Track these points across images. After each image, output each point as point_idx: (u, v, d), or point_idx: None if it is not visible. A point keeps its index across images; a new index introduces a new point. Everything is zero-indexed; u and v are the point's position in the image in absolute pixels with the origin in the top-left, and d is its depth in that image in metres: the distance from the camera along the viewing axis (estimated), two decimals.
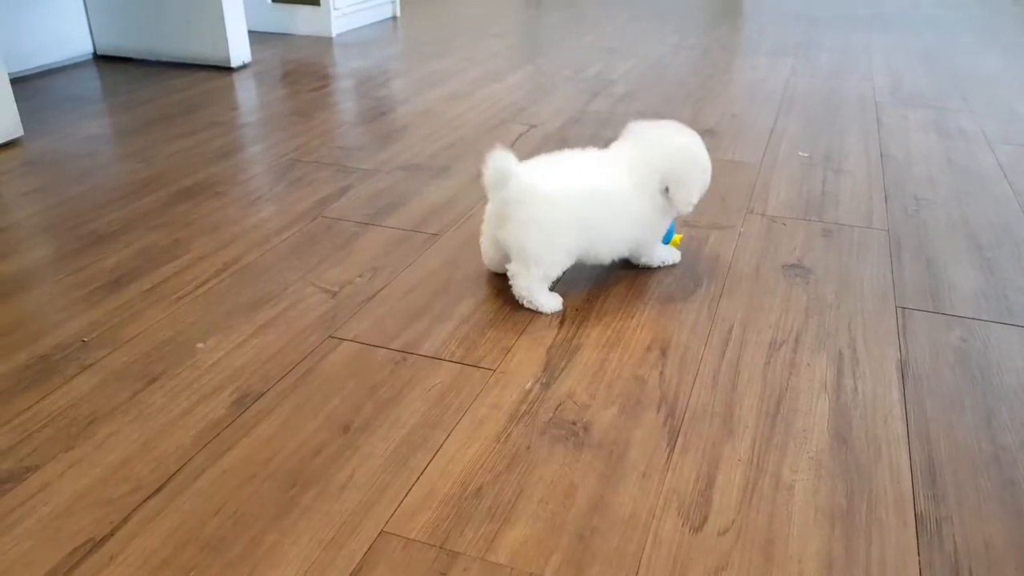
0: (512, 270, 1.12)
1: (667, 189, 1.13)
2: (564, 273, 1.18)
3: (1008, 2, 3.56)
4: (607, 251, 1.16)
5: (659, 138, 1.15)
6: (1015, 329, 1.09)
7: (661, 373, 0.98)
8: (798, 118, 1.98)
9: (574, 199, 1.09)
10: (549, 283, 1.13)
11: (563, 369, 0.99)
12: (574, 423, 0.90)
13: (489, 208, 1.14)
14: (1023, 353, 1.04)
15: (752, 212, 1.44)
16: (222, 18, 2.29)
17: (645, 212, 1.15)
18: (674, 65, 2.49)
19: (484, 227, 1.18)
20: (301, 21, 2.84)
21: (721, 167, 1.63)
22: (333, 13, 2.80)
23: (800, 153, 1.73)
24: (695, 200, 1.15)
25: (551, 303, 1.12)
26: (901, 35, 3.00)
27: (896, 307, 1.14)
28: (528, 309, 1.11)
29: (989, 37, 2.98)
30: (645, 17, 3.31)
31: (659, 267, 1.23)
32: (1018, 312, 1.13)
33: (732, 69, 2.46)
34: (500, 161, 1.06)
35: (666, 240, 1.24)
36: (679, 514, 0.78)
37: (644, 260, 1.23)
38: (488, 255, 1.20)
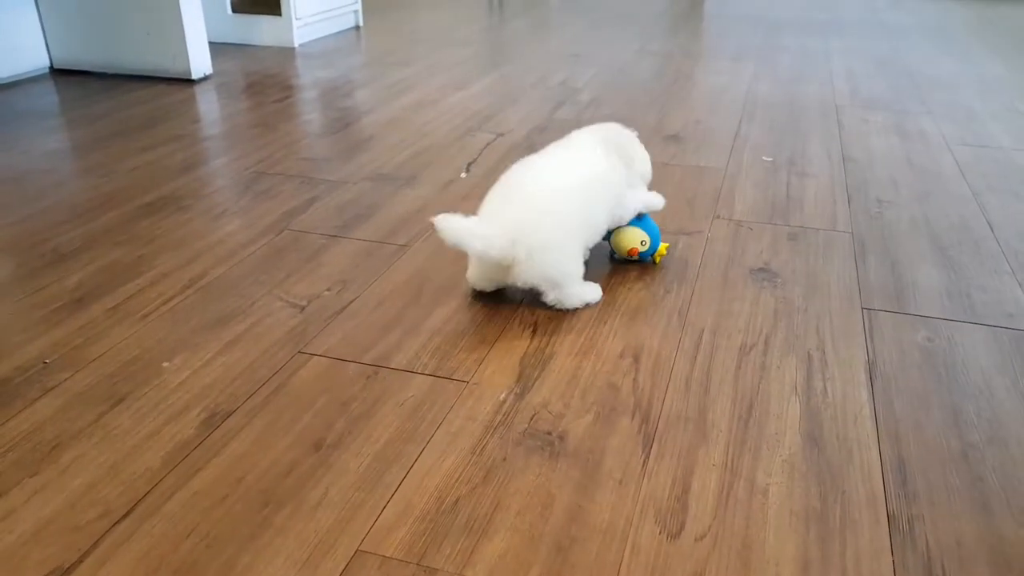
0: (550, 297, 1.12)
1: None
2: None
3: (961, 6, 3.65)
4: (601, 229, 1.20)
5: (599, 128, 1.27)
6: (978, 327, 1.11)
7: (634, 380, 0.99)
8: (761, 123, 2.00)
9: (564, 201, 1.11)
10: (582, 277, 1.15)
11: (537, 378, 0.99)
12: (549, 433, 0.89)
13: (478, 256, 1.11)
14: (987, 351, 1.06)
15: (719, 217, 1.45)
16: (182, 29, 2.26)
17: (620, 182, 1.22)
18: (638, 71, 2.51)
19: (474, 262, 1.15)
20: (262, 31, 2.81)
21: (687, 173, 1.65)
22: (295, 23, 2.78)
23: (764, 158, 1.75)
24: (649, 166, 1.28)
25: (595, 292, 1.16)
26: (859, 39, 3.06)
27: (862, 308, 1.16)
28: (499, 319, 1.11)
29: (944, 40, 3.05)
30: (608, 23, 3.33)
31: (629, 273, 1.24)
32: (980, 310, 1.16)
33: (695, 74, 2.48)
34: (452, 236, 1.04)
35: (652, 251, 1.24)
36: (656, 521, 0.78)
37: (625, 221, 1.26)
38: (476, 277, 1.16)
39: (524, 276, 1.09)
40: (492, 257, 1.07)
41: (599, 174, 1.17)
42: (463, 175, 1.63)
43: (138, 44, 2.32)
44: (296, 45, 2.80)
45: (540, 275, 1.09)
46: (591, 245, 1.20)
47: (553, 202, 1.10)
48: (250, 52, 2.72)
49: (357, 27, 3.16)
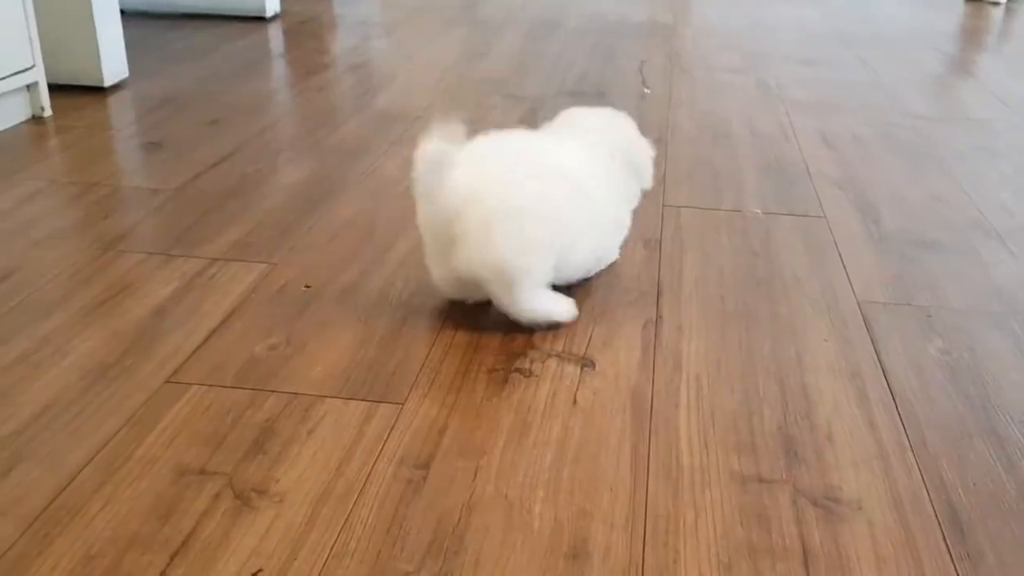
0: (501, 302, 0.85)
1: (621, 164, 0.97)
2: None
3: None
4: (581, 260, 0.93)
5: (606, 121, 0.99)
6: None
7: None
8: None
9: (539, 185, 0.86)
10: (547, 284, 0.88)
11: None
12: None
13: (424, 215, 0.87)
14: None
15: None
16: None
17: (620, 205, 0.99)
18: None
19: (427, 238, 0.89)
20: None
21: None
22: None
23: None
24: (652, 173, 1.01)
25: (566, 307, 0.89)
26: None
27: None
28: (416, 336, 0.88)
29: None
30: None
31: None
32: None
33: None
34: (436, 158, 0.82)
35: None
36: None
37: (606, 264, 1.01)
38: (444, 280, 0.90)
39: (467, 257, 0.83)
40: (429, 205, 0.84)
41: (594, 189, 0.92)
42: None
43: None
44: None
45: (481, 263, 0.82)
46: (562, 277, 0.92)
47: (539, 181, 0.86)
48: None
49: None
